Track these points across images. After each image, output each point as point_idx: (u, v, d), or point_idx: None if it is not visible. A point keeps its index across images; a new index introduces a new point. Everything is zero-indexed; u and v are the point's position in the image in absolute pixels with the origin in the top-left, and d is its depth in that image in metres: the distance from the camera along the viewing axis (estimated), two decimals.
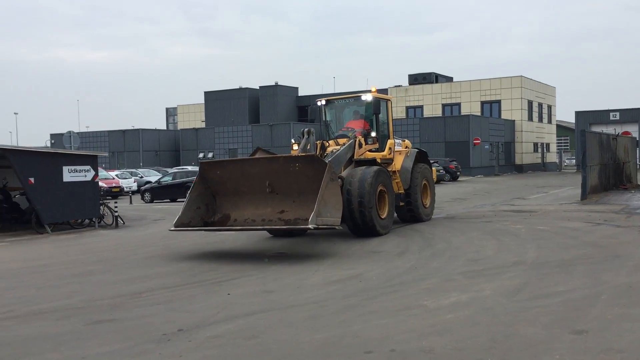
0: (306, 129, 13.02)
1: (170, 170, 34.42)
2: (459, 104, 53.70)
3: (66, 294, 8.14)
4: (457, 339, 5.54)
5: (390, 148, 14.42)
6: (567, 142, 76.72)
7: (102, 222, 17.12)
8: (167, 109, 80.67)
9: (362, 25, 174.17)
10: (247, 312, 6.82)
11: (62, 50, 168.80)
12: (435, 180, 17.56)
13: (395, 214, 14.23)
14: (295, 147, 13.44)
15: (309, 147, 12.88)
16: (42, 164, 15.40)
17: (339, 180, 11.70)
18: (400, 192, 14.32)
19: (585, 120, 49.36)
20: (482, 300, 6.99)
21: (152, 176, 35.81)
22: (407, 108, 55.90)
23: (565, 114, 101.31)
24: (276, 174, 10.92)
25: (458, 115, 50.58)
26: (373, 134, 14.03)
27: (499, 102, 52.48)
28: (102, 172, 26.00)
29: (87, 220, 17.01)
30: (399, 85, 57.26)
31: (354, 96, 14.56)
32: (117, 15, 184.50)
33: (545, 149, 59.30)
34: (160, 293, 8.02)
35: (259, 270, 9.50)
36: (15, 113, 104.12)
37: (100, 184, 20.85)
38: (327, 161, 11.20)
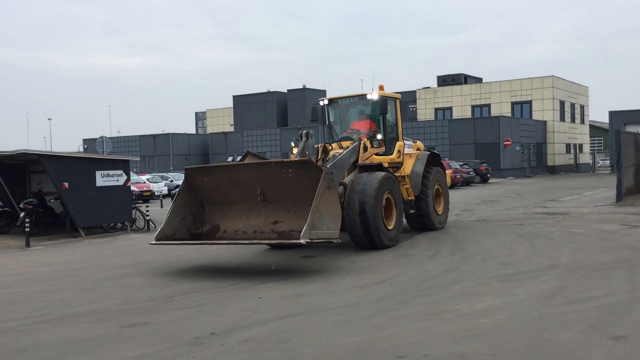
0: (304, 131, 11.85)
1: None
2: (488, 105, 53.05)
3: (100, 297, 8.27)
4: (491, 344, 5.45)
5: (399, 151, 13.50)
6: (601, 143, 75.18)
7: (134, 225, 17.36)
8: (196, 113, 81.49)
9: (389, 27, 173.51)
10: (278, 316, 6.83)
11: (93, 56, 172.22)
12: (449, 184, 16.73)
13: (405, 221, 13.38)
14: (296, 150, 12.31)
15: (307, 152, 11.87)
16: (75, 168, 15.69)
17: (341, 187, 11.06)
18: (410, 198, 13.34)
19: (619, 120, 48.26)
20: (517, 304, 6.87)
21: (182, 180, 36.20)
22: (436, 110, 55.44)
23: (598, 114, 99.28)
24: (268, 181, 10.01)
25: (488, 116, 49.92)
26: (379, 136, 12.97)
27: (529, 102, 51.66)
28: (133, 177, 26.38)
29: (119, 224, 17.26)
30: (428, 87, 56.85)
31: (359, 95, 13.42)
32: (146, 21, 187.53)
33: (578, 150, 58.17)
34: (192, 296, 8.09)
35: (289, 274, 9.52)
36: (49, 119, 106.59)
37: (132, 188, 21.16)
38: (326, 166, 10.50)
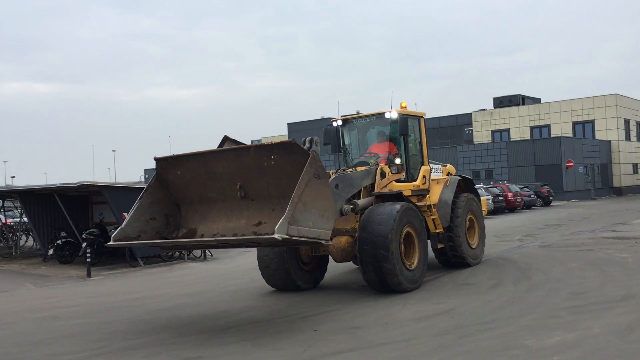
0: (308, 138, 9.53)
1: None
2: (548, 126, 51.56)
3: (156, 329, 8.22)
4: None
5: (424, 176, 11.87)
6: None
7: (190, 254, 17.48)
8: (252, 141, 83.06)
9: (440, 49, 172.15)
10: (334, 351, 6.56)
11: (153, 89, 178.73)
12: (486, 212, 13.80)
13: (433, 253, 12.01)
14: None
15: None
16: (134, 199, 15.80)
17: (348, 205, 9.79)
18: (438, 231, 11.73)
19: None
20: (591, 339, 6.36)
21: None
22: (493, 132, 54.31)
23: None
24: (248, 172, 8.27)
25: (548, 137, 48.48)
26: (397, 161, 11.42)
27: (592, 122, 49.89)
28: None
29: (177, 253, 17.42)
30: (484, 109, 55.86)
31: (377, 114, 11.93)
32: (201, 54, 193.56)
33: None
34: (247, 328, 7.92)
35: (345, 304, 9.22)
36: (113, 150, 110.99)
37: None
38: (315, 152, 8.36)
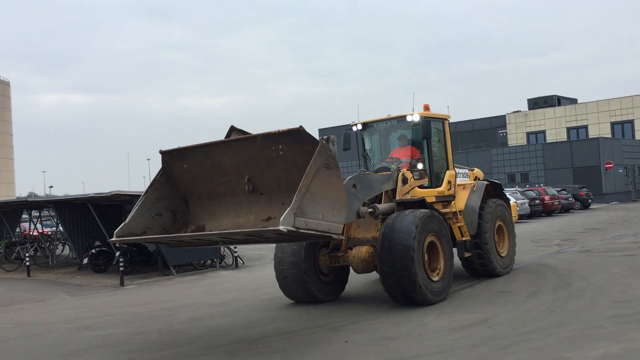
0: (325, 137, 8.19)
1: None
2: (585, 127, 50.35)
3: (186, 340, 8.15)
4: None
5: (449, 182, 11.39)
6: None
7: (222, 262, 17.50)
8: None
9: (472, 52, 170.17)
10: None
11: (186, 98, 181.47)
12: (516, 218, 13.36)
13: (460, 262, 11.49)
14: None
15: None
16: None
17: (366, 207, 9.29)
18: (465, 239, 11.15)
19: None
20: (638, 352, 6.02)
21: None
22: (528, 134, 53.31)
23: None
24: (256, 164, 7.82)
25: (585, 138, 47.32)
26: (420, 166, 10.95)
27: (631, 122, 48.50)
28: None
29: (208, 261, 17.46)
30: (518, 111, 54.89)
31: (398, 117, 11.42)
32: (232, 62, 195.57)
33: None
34: (277, 340, 7.79)
35: (377, 314, 9.01)
36: (147, 159, 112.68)
37: None
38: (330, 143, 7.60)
